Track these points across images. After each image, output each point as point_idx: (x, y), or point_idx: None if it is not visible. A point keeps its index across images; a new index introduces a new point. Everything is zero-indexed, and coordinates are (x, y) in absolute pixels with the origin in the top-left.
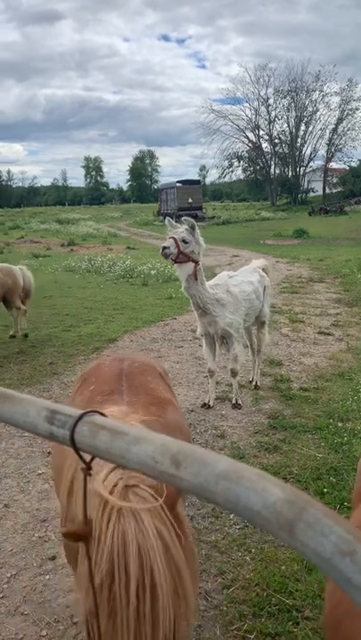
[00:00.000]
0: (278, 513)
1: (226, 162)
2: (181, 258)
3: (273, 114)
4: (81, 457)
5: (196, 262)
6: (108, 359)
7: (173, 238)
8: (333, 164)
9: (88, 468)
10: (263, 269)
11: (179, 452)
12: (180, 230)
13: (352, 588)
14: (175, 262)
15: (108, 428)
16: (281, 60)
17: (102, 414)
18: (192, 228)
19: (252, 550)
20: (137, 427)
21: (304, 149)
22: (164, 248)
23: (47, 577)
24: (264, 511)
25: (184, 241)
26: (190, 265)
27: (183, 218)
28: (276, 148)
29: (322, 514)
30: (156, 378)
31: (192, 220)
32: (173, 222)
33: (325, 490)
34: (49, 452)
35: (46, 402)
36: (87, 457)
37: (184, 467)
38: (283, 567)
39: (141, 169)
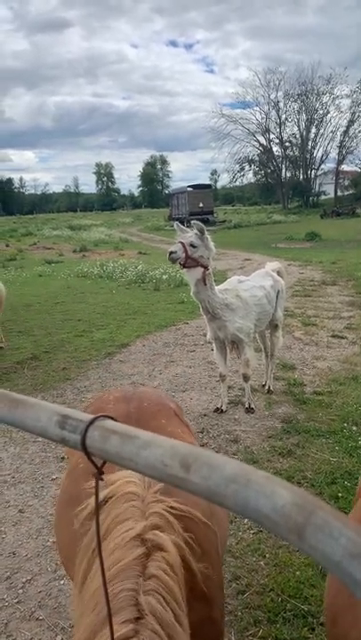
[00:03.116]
0: (287, 516)
1: (237, 166)
2: (190, 262)
3: (283, 117)
4: (93, 461)
5: (206, 267)
6: (112, 399)
7: (181, 243)
8: (345, 167)
9: (100, 473)
10: (278, 272)
11: (188, 455)
12: (189, 235)
13: None
14: (184, 267)
15: (118, 433)
16: (289, 63)
17: (113, 419)
18: (201, 232)
19: (267, 555)
20: (149, 433)
21: (315, 152)
22: (171, 252)
23: (62, 582)
24: (273, 514)
25: (192, 245)
26: (199, 270)
27: (193, 222)
28: (287, 152)
29: (331, 517)
30: (171, 419)
31: (201, 224)
32: (183, 227)
33: (340, 494)
34: (62, 457)
35: (58, 406)
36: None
37: (193, 470)
38: (297, 572)
39: (152, 174)
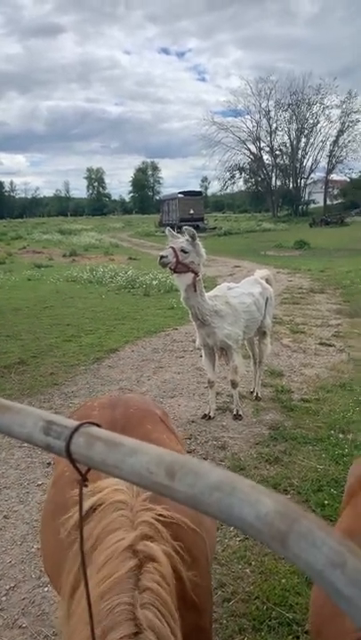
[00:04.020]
0: (270, 524)
1: (227, 173)
2: (180, 268)
3: (274, 126)
4: (77, 468)
5: (196, 273)
6: (97, 405)
7: (172, 248)
8: (334, 176)
9: (84, 480)
10: (266, 280)
11: (173, 462)
12: (180, 240)
13: (343, 600)
14: (174, 272)
15: (103, 440)
16: (280, 73)
17: (98, 425)
18: (192, 238)
19: (253, 563)
20: (134, 440)
21: (305, 161)
22: (162, 257)
23: (46, 589)
24: (256, 522)
25: (183, 251)
26: (189, 275)
27: (184, 228)
28: (277, 160)
29: (315, 525)
30: (157, 425)
31: (192, 230)
32: (174, 232)
33: (326, 502)
34: (48, 463)
35: (44, 412)
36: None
37: (178, 478)
38: (283, 580)
39: (143, 180)
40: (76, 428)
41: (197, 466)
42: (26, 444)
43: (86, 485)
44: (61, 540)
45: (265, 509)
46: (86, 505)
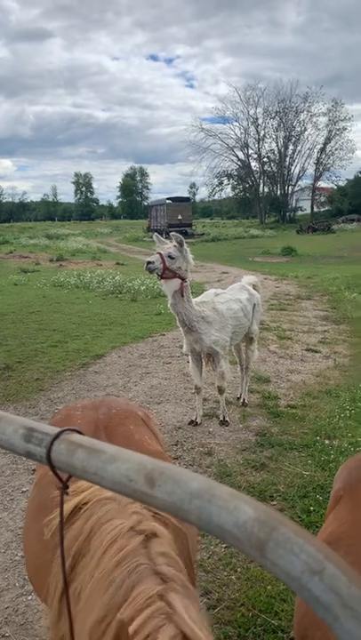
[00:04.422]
0: (249, 532)
1: (215, 180)
2: (167, 274)
3: (262, 133)
4: (57, 475)
5: (183, 279)
6: (79, 407)
7: (159, 253)
8: (321, 183)
9: (65, 487)
10: (254, 286)
11: (153, 470)
12: (168, 246)
13: (320, 607)
14: (161, 278)
15: (85, 446)
16: (268, 81)
17: (79, 432)
18: (180, 244)
19: (238, 570)
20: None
21: (292, 168)
22: (148, 263)
23: (29, 598)
24: (235, 530)
25: (170, 257)
26: (177, 281)
27: (171, 234)
28: (265, 167)
29: (292, 533)
30: (139, 426)
31: (180, 236)
32: (162, 238)
33: (312, 508)
34: (34, 470)
35: (24, 419)
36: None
37: (158, 485)
38: (268, 587)
39: (132, 186)
40: (57, 435)
41: (177, 473)
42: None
43: (67, 493)
44: (45, 542)
45: (244, 517)
46: (71, 503)
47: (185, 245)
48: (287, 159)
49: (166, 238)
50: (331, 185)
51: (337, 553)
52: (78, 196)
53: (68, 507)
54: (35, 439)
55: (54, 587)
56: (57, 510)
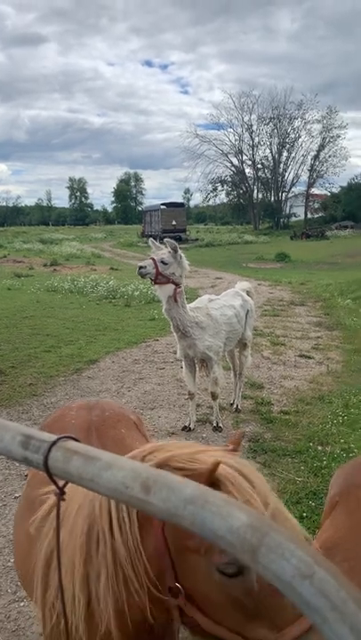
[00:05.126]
0: (242, 538)
1: (210, 185)
2: (160, 279)
3: (256, 139)
4: (55, 482)
5: (177, 284)
6: (74, 407)
7: (152, 259)
8: (315, 190)
9: (61, 493)
10: (247, 292)
11: (148, 477)
12: (162, 252)
13: (310, 611)
14: (155, 283)
15: (80, 454)
16: (263, 87)
17: (76, 439)
18: (174, 250)
19: None
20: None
21: (286, 175)
22: (141, 267)
23: (22, 604)
24: (228, 535)
25: (163, 262)
26: (170, 287)
27: (165, 240)
28: (259, 173)
29: (284, 538)
30: (131, 430)
31: (174, 242)
32: (157, 244)
33: (305, 514)
34: (26, 475)
35: (21, 426)
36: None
37: (153, 492)
38: None
39: (126, 191)
40: (54, 442)
41: (172, 480)
42: (2, 457)
43: (64, 499)
44: (32, 537)
45: (237, 523)
46: (50, 502)
47: (179, 251)
48: (281, 165)
49: (161, 244)
50: (324, 192)
51: (335, 559)
52: (73, 201)
53: (48, 505)
54: (32, 446)
55: (40, 562)
56: (42, 508)
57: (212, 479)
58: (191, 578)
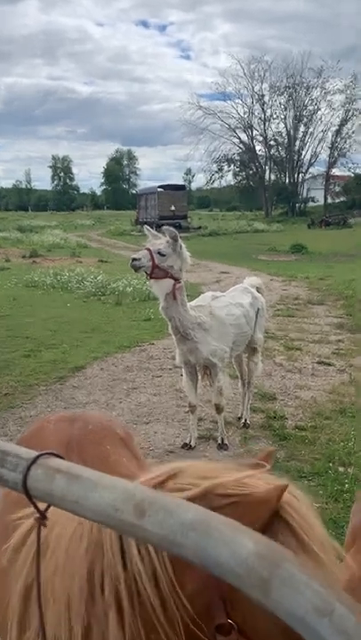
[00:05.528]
0: (250, 569)
1: (214, 165)
2: (157, 273)
3: (268, 112)
4: (35, 504)
5: (176, 279)
6: (53, 420)
7: (148, 249)
8: (336, 171)
9: (43, 518)
10: (257, 289)
11: (143, 499)
12: (159, 242)
13: None
14: (150, 277)
15: (64, 472)
16: (275, 52)
17: (59, 456)
18: (174, 239)
19: None
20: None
21: (303, 153)
22: (134, 259)
23: None
24: (235, 567)
25: (160, 253)
26: (168, 282)
27: (164, 228)
28: (272, 151)
29: (297, 569)
30: (118, 447)
31: (174, 230)
32: (154, 232)
33: None
34: None
35: None
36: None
37: (148, 515)
38: None
39: (118, 171)
40: (35, 460)
41: (170, 503)
42: None
43: (45, 525)
44: (5, 570)
45: (245, 552)
46: (25, 527)
47: (179, 241)
48: (297, 142)
49: (158, 232)
50: (347, 173)
51: None
52: (55, 183)
53: (23, 531)
54: (9, 464)
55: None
56: (15, 536)
57: (276, 507)
58: (247, 610)
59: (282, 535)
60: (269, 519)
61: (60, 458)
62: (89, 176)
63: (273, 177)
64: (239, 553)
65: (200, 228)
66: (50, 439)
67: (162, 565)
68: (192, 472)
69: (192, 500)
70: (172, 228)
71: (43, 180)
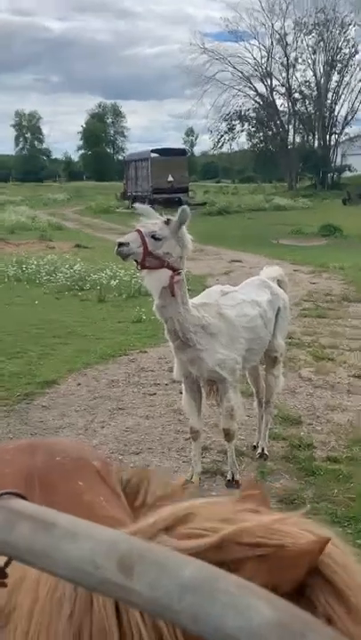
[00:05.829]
0: None
1: (224, 124)
2: (150, 262)
3: (292, 56)
4: None
5: (175, 270)
6: (11, 448)
7: (139, 232)
8: None
9: (2, 576)
10: (278, 282)
11: (130, 552)
12: (153, 222)
13: None
14: (142, 267)
15: (29, 517)
16: None
17: (23, 497)
18: (181, 222)
19: None
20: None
21: (337, 109)
22: (120, 244)
23: None
24: (245, 638)
25: (154, 237)
26: (165, 273)
27: (182, 208)
28: (297, 106)
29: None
30: (94, 483)
31: (187, 209)
32: (149, 209)
33: None
34: None
35: None
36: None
37: (137, 574)
38: None
39: (100, 131)
40: None
41: (163, 557)
42: None
43: (5, 585)
44: None
45: (258, 619)
46: None
47: (185, 225)
48: (330, 95)
49: (152, 208)
50: None
51: None
52: (20, 146)
53: None
54: None
55: None
56: None
57: (316, 562)
58: None
59: (323, 597)
60: (306, 576)
61: (23, 498)
62: (63, 137)
63: (298, 139)
64: (251, 620)
65: (205, 204)
66: (4, 473)
67: (170, 630)
68: (209, 513)
69: (206, 550)
70: (188, 209)
71: (4, 143)
